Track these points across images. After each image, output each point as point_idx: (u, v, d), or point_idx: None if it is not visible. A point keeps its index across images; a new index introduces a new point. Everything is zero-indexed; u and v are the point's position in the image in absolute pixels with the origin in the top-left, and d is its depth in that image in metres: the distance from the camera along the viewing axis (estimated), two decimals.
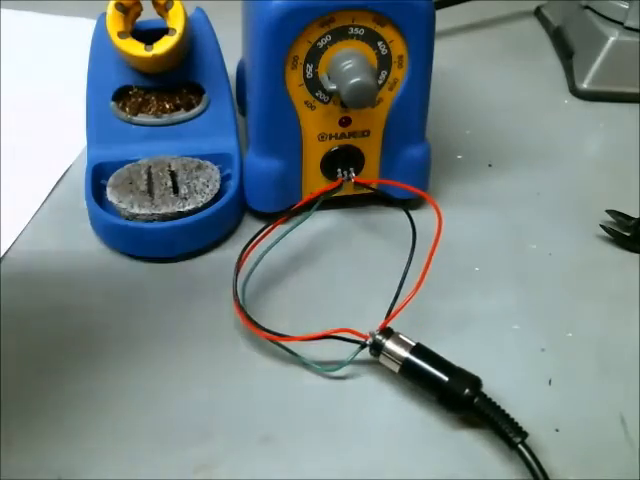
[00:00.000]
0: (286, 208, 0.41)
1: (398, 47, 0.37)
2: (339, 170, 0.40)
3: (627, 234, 0.41)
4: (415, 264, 0.35)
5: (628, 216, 0.42)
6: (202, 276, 0.39)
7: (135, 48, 0.40)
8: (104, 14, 0.41)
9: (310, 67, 0.37)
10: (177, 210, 0.39)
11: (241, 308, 0.35)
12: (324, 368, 0.34)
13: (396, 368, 0.33)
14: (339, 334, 0.33)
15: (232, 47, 0.45)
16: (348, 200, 0.43)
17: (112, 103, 0.43)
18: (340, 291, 0.39)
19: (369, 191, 0.41)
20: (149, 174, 0.41)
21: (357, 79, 0.35)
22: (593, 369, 0.35)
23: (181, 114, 0.43)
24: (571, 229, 0.42)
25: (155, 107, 0.43)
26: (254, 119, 0.40)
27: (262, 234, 0.37)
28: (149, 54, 0.40)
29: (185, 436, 0.32)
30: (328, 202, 0.40)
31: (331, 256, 0.40)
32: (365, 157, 0.41)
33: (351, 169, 0.40)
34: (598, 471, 0.31)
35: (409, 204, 0.41)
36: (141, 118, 0.43)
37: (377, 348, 0.33)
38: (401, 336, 0.33)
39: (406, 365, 0.32)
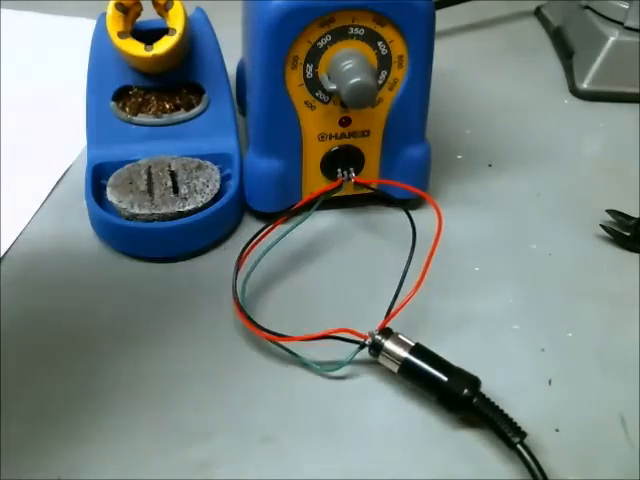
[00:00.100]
0: (286, 208, 0.41)
1: (398, 47, 0.37)
2: (339, 170, 0.40)
3: (627, 234, 0.41)
4: (415, 264, 0.35)
5: (628, 216, 0.42)
6: (202, 276, 0.39)
7: (135, 48, 0.40)
8: (104, 14, 0.41)
9: (310, 67, 0.37)
10: (177, 210, 0.39)
11: (241, 308, 0.35)
12: (324, 368, 0.34)
13: (395, 368, 0.33)
14: (338, 334, 0.33)
15: (232, 47, 0.45)
16: (348, 200, 0.43)
17: (112, 103, 0.43)
18: (340, 291, 0.39)
19: (369, 191, 0.41)
20: (149, 174, 0.41)
21: (357, 79, 0.35)
22: (593, 369, 0.35)
23: (181, 114, 0.43)
24: (571, 229, 0.42)
25: (155, 107, 0.43)
26: (254, 119, 0.40)
27: (262, 234, 0.37)
28: (149, 54, 0.40)
29: (185, 436, 0.32)
30: (328, 202, 0.40)
31: (331, 256, 0.41)
32: (365, 157, 0.41)
33: (351, 169, 0.40)
34: (598, 471, 0.31)
35: (409, 204, 0.41)
36: (141, 118, 0.43)
37: (376, 348, 0.33)
38: (400, 336, 0.33)
39: (405, 365, 0.32)
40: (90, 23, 0.43)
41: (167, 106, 0.43)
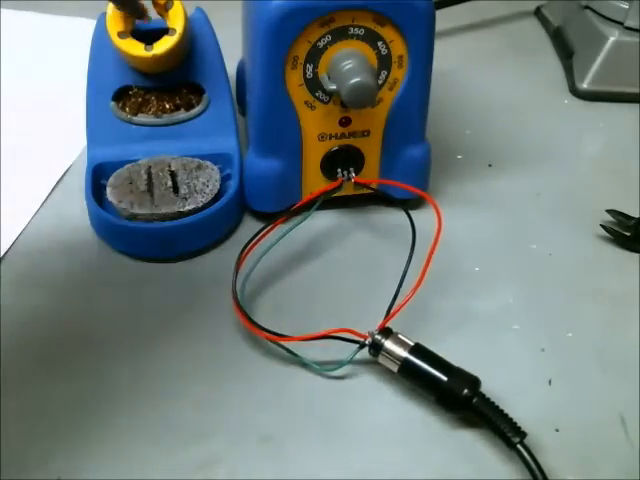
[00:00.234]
0: (286, 208, 0.41)
1: (398, 47, 0.37)
2: (339, 170, 0.40)
3: (627, 234, 0.41)
4: (415, 264, 0.35)
5: (628, 216, 0.42)
6: (202, 276, 0.39)
7: (135, 48, 0.40)
8: (104, 14, 0.41)
9: (310, 67, 0.37)
10: (177, 210, 0.39)
11: (240, 308, 0.35)
12: (323, 368, 0.34)
13: (395, 368, 0.33)
14: (338, 334, 0.33)
15: (232, 47, 0.45)
16: (348, 200, 0.43)
17: (112, 103, 0.43)
18: (340, 291, 0.39)
19: (369, 191, 0.41)
20: (149, 174, 0.41)
21: (357, 79, 0.35)
22: (593, 369, 0.35)
23: (181, 114, 0.43)
24: (571, 229, 0.42)
25: (155, 107, 0.43)
26: (254, 119, 0.40)
27: (262, 234, 0.37)
28: (149, 54, 0.40)
29: (185, 436, 0.32)
30: (328, 202, 0.40)
31: (331, 256, 0.41)
32: (365, 157, 0.41)
33: (351, 169, 0.40)
34: (598, 471, 0.31)
35: (409, 204, 0.41)
36: (141, 118, 0.43)
37: (376, 348, 0.33)
38: (400, 336, 0.33)
39: (405, 365, 0.32)
40: (90, 23, 0.43)
41: (167, 106, 0.43)
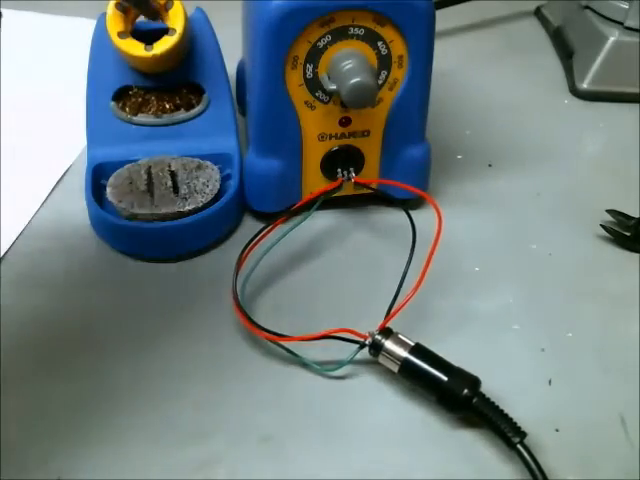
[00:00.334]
0: (286, 208, 0.41)
1: (398, 47, 0.37)
2: (339, 170, 0.40)
3: (627, 234, 0.41)
4: (415, 264, 0.35)
5: (628, 216, 0.42)
6: (202, 276, 0.39)
7: (135, 48, 0.40)
8: (104, 14, 0.41)
9: (310, 67, 0.37)
10: (177, 210, 0.39)
11: (241, 308, 0.35)
12: (323, 368, 0.34)
13: (395, 368, 0.33)
14: (338, 334, 0.33)
15: (232, 47, 0.45)
16: (348, 200, 0.43)
17: (112, 103, 0.43)
18: (340, 291, 0.39)
19: (369, 191, 0.41)
20: (149, 174, 0.41)
21: (357, 79, 0.35)
22: (593, 369, 0.35)
23: (181, 114, 0.43)
24: (571, 229, 0.42)
25: (155, 107, 0.43)
26: (254, 119, 0.40)
27: (262, 234, 0.37)
28: (149, 54, 0.40)
29: (185, 436, 0.32)
30: (328, 202, 0.40)
31: (331, 256, 0.40)
32: (365, 157, 0.41)
33: (351, 169, 0.40)
34: (598, 471, 0.31)
35: (409, 204, 0.41)
36: (141, 118, 0.43)
37: (376, 348, 0.33)
38: (400, 336, 0.33)
39: (405, 365, 0.32)
40: (90, 23, 0.43)
41: (167, 106, 0.43)
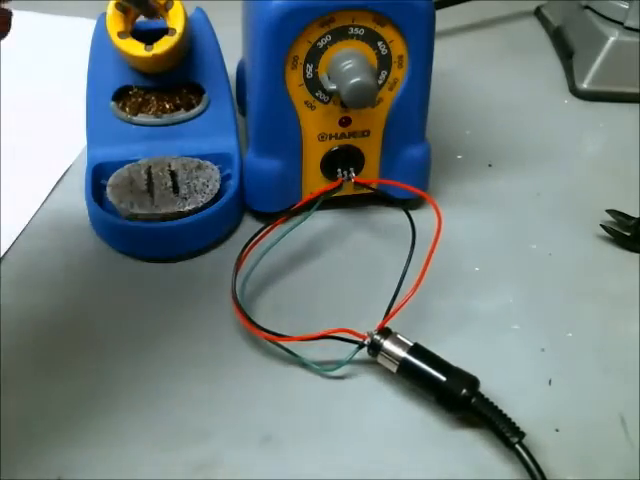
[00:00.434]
0: (286, 208, 0.41)
1: (398, 47, 0.37)
2: (339, 170, 0.40)
3: (627, 234, 0.41)
4: (415, 264, 0.35)
5: (628, 216, 0.42)
6: (202, 276, 0.39)
7: (135, 48, 0.40)
8: (104, 14, 0.41)
9: (310, 67, 0.37)
10: (177, 210, 0.39)
11: (240, 308, 0.35)
12: (323, 368, 0.34)
13: (394, 368, 0.33)
14: (337, 334, 0.33)
15: (232, 47, 0.45)
16: (348, 200, 0.43)
17: (112, 103, 0.43)
18: (339, 291, 0.39)
19: (369, 191, 0.41)
20: (149, 174, 0.41)
21: (357, 79, 0.35)
22: (593, 369, 0.35)
23: (181, 114, 0.43)
24: (571, 229, 0.42)
25: (155, 107, 0.43)
26: (254, 119, 0.40)
27: (262, 234, 0.37)
28: (149, 54, 0.40)
29: (185, 436, 0.32)
30: (328, 202, 0.40)
31: (331, 256, 0.40)
32: (365, 157, 0.41)
33: (351, 169, 0.40)
34: (598, 471, 0.31)
35: (409, 204, 0.41)
36: (141, 118, 0.43)
37: (375, 348, 0.33)
38: (399, 336, 0.33)
39: (404, 365, 0.32)
40: (90, 23, 0.43)
41: (167, 106, 0.43)
